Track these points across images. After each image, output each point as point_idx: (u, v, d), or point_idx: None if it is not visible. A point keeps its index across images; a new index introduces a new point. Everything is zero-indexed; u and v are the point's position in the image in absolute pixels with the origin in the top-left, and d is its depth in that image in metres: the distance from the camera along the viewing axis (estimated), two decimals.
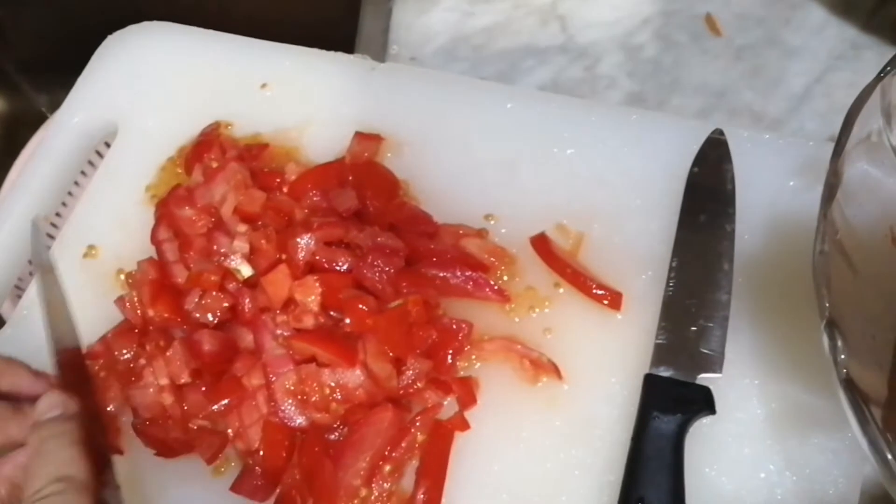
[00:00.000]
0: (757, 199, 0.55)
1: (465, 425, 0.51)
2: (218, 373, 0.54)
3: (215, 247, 0.58)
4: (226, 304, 0.55)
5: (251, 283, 0.56)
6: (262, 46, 0.70)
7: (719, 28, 0.68)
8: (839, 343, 0.39)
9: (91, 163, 0.70)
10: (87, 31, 0.74)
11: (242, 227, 0.58)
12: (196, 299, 0.56)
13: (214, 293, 0.56)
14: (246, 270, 0.57)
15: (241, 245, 0.57)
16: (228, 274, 0.57)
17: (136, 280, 0.59)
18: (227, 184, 0.60)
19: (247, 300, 0.55)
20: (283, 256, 0.56)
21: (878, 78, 0.45)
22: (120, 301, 0.58)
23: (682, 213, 0.55)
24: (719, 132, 0.57)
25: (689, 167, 0.57)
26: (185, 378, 0.54)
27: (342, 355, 0.52)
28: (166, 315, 0.57)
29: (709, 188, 0.55)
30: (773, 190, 0.56)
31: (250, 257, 0.57)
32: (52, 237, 0.66)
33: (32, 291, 0.62)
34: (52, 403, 0.49)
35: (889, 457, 0.37)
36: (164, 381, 0.54)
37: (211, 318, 0.55)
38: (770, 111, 0.64)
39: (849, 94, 0.46)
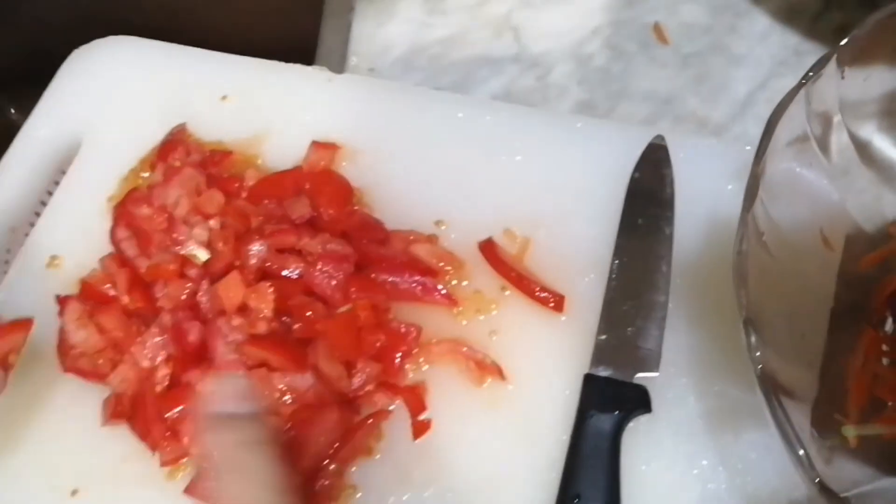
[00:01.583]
0: (696, 204, 0.57)
1: (424, 428, 0.53)
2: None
3: (174, 235, 0.59)
4: (187, 289, 0.57)
5: (210, 270, 0.58)
6: (223, 59, 0.71)
7: (667, 37, 0.69)
8: (754, 340, 0.40)
9: (63, 173, 0.72)
10: (60, 43, 0.76)
11: (202, 220, 0.60)
12: (161, 290, 0.57)
13: (176, 281, 0.57)
14: (202, 254, 0.59)
15: (200, 233, 0.59)
16: (187, 261, 0.58)
17: (104, 273, 0.61)
18: (182, 188, 0.61)
19: (204, 298, 0.57)
20: (237, 262, 0.57)
21: (801, 84, 0.47)
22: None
23: (623, 217, 0.56)
24: (660, 138, 0.59)
25: (631, 173, 0.58)
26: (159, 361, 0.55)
27: (293, 360, 0.53)
28: (139, 304, 0.58)
29: (649, 193, 0.57)
30: (712, 194, 0.58)
31: (209, 247, 0.59)
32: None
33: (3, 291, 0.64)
34: (238, 393, 0.47)
35: (801, 452, 0.38)
36: (146, 364, 0.56)
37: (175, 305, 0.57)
38: (714, 117, 0.65)
39: None
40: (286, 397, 0.53)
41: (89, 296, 0.59)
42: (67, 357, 0.59)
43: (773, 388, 0.40)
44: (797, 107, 0.49)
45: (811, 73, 0.47)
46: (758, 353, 0.40)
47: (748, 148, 0.58)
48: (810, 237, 0.51)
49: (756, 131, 0.64)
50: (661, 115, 0.66)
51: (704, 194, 0.57)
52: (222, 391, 0.47)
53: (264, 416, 0.46)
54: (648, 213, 0.56)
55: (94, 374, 0.58)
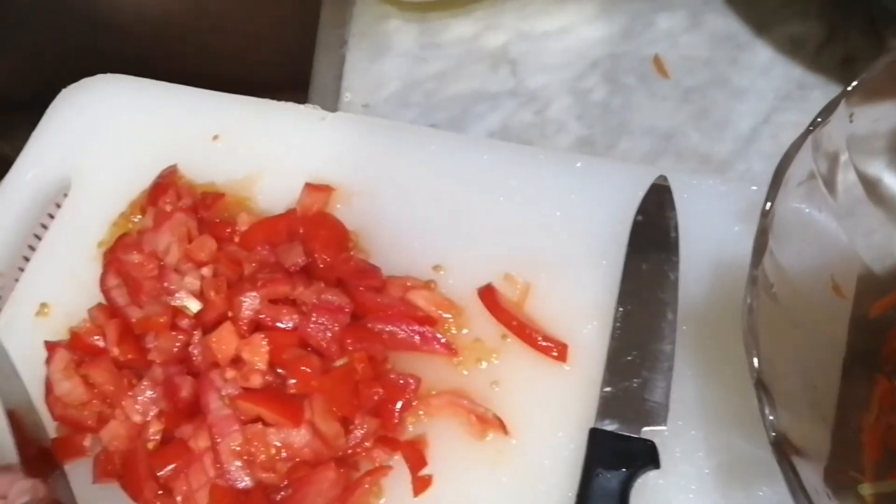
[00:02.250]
0: (702, 246, 0.56)
1: (425, 484, 0.51)
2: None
3: (165, 284, 0.58)
4: (179, 341, 0.56)
5: (203, 320, 0.56)
6: (214, 98, 0.70)
7: (667, 70, 0.68)
8: (766, 403, 0.39)
9: (51, 215, 0.70)
10: (58, 77, 0.74)
11: (193, 267, 0.58)
12: (152, 342, 0.56)
13: (167, 333, 0.56)
14: (194, 306, 0.57)
15: (192, 282, 0.58)
16: (179, 312, 0.57)
17: (92, 324, 0.59)
18: (173, 234, 0.60)
19: (196, 351, 0.55)
20: (230, 313, 0.56)
21: (808, 131, 0.46)
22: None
23: (626, 262, 0.55)
24: (663, 178, 0.57)
25: (633, 213, 0.57)
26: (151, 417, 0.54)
27: (288, 416, 0.51)
28: (130, 356, 0.56)
29: (652, 236, 0.55)
30: (717, 236, 0.56)
31: (201, 296, 0.57)
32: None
33: None
34: (22, 490, 0.48)
35: None
36: (137, 419, 0.54)
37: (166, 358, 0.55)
38: (717, 153, 0.64)
39: (795, 134, 0.46)
40: (282, 453, 0.52)
41: (78, 347, 0.57)
42: (56, 405, 0.58)
43: (786, 452, 0.39)
44: (804, 148, 0.47)
45: (819, 119, 0.46)
46: (771, 418, 0.39)
47: (754, 188, 0.57)
48: (821, 285, 0.50)
49: (760, 167, 0.63)
50: (662, 151, 0.65)
51: (709, 236, 0.56)
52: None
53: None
54: (653, 259, 0.54)
55: (82, 425, 0.57)
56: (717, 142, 0.65)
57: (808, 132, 0.46)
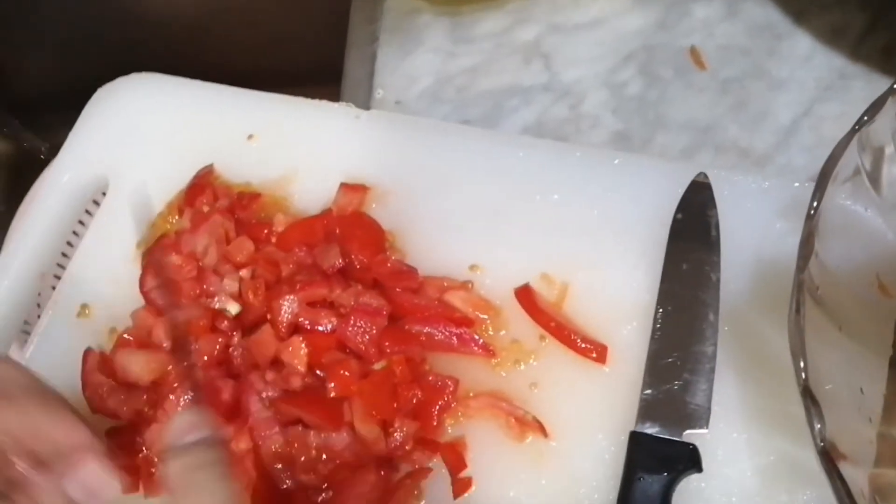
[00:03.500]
0: (743, 244, 0.55)
1: (465, 486, 0.51)
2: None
3: (204, 286, 0.58)
4: (219, 345, 0.56)
5: (243, 322, 0.57)
6: (249, 96, 0.70)
7: (704, 61, 0.67)
8: (815, 414, 0.38)
9: (90, 213, 0.71)
10: (88, 74, 0.75)
11: (232, 269, 0.59)
12: (193, 344, 0.56)
13: (207, 336, 0.56)
14: (233, 308, 0.57)
15: (231, 283, 0.58)
16: (218, 314, 0.57)
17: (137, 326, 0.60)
18: (210, 236, 0.60)
19: (236, 353, 0.56)
20: (269, 315, 0.56)
21: (854, 130, 0.45)
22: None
23: (666, 261, 0.54)
24: (703, 175, 0.56)
25: (672, 211, 0.56)
26: None
27: (328, 419, 0.52)
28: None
29: (693, 235, 0.54)
30: (759, 233, 0.55)
31: (239, 298, 0.58)
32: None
33: (28, 350, 0.63)
34: (192, 423, 0.42)
35: None
36: None
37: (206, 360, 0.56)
38: (757, 146, 0.63)
39: (837, 126, 0.46)
40: (322, 455, 0.52)
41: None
42: (95, 398, 0.58)
43: (833, 460, 0.38)
44: (850, 146, 0.46)
45: (865, 118, 0.45)
46: (818, 426, 0.38)
47: (796, 185, 0.56)
48: (866, 284, 0.49)
49: (801, 161, 0.62)
50: (700, 145, 0.64)
51: (751, 234, 0.55)
52: (177, 426, 0.43)
53: (217, 440, 0.42)
54: (693, 258, 0.53)
55: (119, 417, 0.57)
56: (757, 134, 0.63)
57: (853, 131, 0.45)
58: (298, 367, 0.54)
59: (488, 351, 0.54)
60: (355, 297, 0.55)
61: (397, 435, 0.51)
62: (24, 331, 0.68)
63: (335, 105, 0.68)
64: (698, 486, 0.48)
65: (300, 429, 0.52)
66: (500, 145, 0.63)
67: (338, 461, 0.52)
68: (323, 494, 0.52)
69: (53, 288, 0.67)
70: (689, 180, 0.57)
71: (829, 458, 0.37)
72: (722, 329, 0.52)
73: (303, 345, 0.54)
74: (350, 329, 0.53)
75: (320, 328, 0.54)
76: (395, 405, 0.52)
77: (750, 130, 0.64)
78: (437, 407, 0.53)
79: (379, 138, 0.65)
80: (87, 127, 0.72)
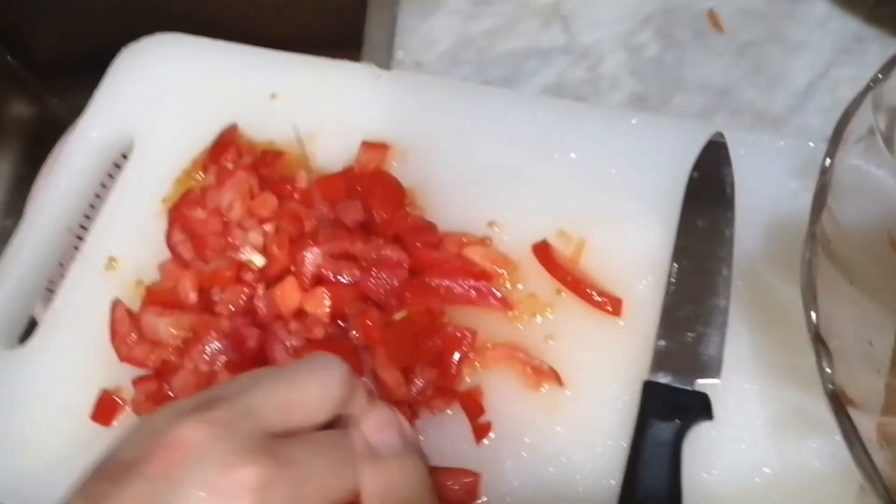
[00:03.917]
0: (757, 202, 0.56)
1: (485, 431, 0.53)
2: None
3: (230, 239, 0.60)
4: (244, 296, 0.58)
5: (266, 274, 0.58)
6: (272, 56, 0.71)
7: (722, 24, 0.68)
8: (824, 357, 0.40)
9: (111, 175, 0.73)
10: (108, 37, 0.76)
11: (256, 223, 0.61)
12: (219, 295, 0.58)
13: (233, 287, 0.58)
14: (259, 260, 0.59)
15: (255, 237, 0.60)
16: (244, 266, 0.59)
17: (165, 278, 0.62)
18: (235, 191, 0.62)
19: (261, 304, 0.57)
20: (293, 268, 0.58)
21: (868, 88, 0.46)
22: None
23: (682, 218, 0.55)
24: (719, 135, 0.57)
25: (689, 170, 0.57)
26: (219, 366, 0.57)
27: (351, 365, 0.53)
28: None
29: (708, 193, 0.56)
30: (773, 192, 0.56)
31: (264, 251, 0.59)
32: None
33: (58, 302, 0.65)
34: (386, 423, 0.45)
35: (873, 471, 0.38)
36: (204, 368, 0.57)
37: (233, 310, 0.58)
38: (773, 109, 0.64)
39: (853, 89, 0.46)
40: None
41: (155, 302, 0.60)
42: (122, 347, 0.60)
43: (842, 404, 0.40)
44: (864, 104, 0.47)
45: (880, 76, 0.45)
46: (828, 371, 0.39)
47: (811, 144, 0.57)
48: (878, 241, 0.50)
49: (816, 123, 0.63)
50: (717, 107, 0.65)
51: (765, 192, 0.56)
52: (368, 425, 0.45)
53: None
54: (708, 215, 0.55)
55: (146, 366, 0.59)
56: (773, 97, 0.64)
57: (868, 88, 0.46)
58: (322, 317, 0.55)
59: (505, 304, 0.56)
60: (377, 251, 0.56)
61: (418, 381, 0.53)
62: (48, 289, 0.70)
63: (357, 65, 0.69)
64: (709, 433, 0.50)
65: None
66: (520, 105, 0.64)
67: None
68: None
69: (76, 246, 0.69)
70: (706, 140, 0.58)
71: (837, 401, 0.39)
72: (735, 284, 0.53)
73: (326, 295, 0.55)
74: (372, 280, 0.55)
75: (343, 280, 0.56)
76: (415, 353, 0.53)
77: (766, 93, 0.65)
78: (457, 356, 0.55)
79: (400, 98, 0.66)
80: (113, 86, 0.74)
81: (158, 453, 0.37)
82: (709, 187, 0.56)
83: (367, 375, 0.53)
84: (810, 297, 0.41)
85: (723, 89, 0.65)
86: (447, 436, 0.53)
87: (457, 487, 0.51)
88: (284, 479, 0.37)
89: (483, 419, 0.53)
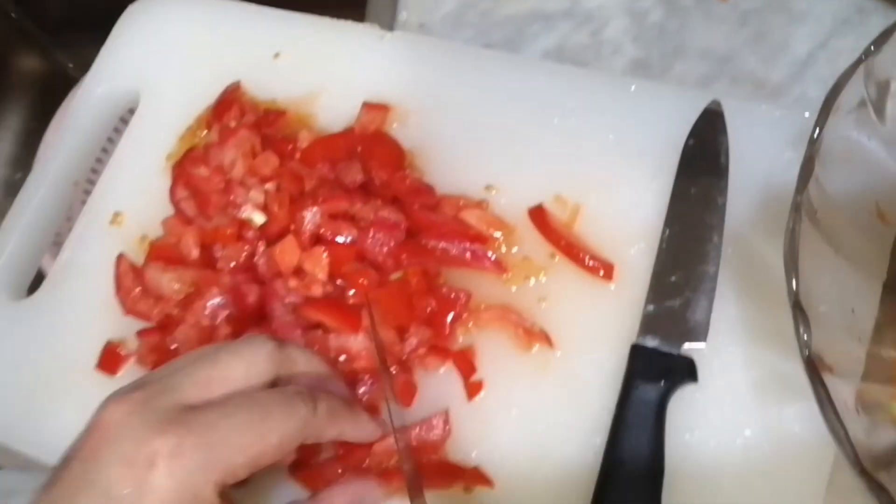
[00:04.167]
0: (751, 171, 0.56)
1: (477, 388, 0.54)
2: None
3: (231, 197, 0.61)
4: (245, 251, 0.59)
5: (267, 233, 0.60)
6: (276, 15, 0.72)
7: None
8: (802, 324, 0.41)
9: (118, 130, 0.74)
10: None
11: (257, 182, 0.62)
12: (220, 251, 0.60)
13: (234, 244, 0.60)
14: (259, 218, 0.60)
15: (256, 195, 0.61)
16: (245, 224, 0.60)
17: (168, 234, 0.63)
18: (238, 150, 0.63)
19: (261, 261, 0.59)
20: (293, 226, 0.59)
21: (859, 60, 0.46)
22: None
23: (675, 185, 0.56)
24: (716, 103, 0.58)
25: (685, 138, 0.58)
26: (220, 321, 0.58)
27: (347, 322, 0.55)
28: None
29: (702, 160, 0.56)
30: (768, 161, 0.57)
31: (265, 210, 0.61)
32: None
33: (64, 255, 0.67)
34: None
35: (844, 436, 0.39)
36: (206, 322, 0.58)
37: (234, 266, 0.59)
38: (773, 78, 0.64)
39: (852, 60, 0.46)
40: (341, 357, 0.55)
41: (158, 257, 0.61)
42: (126, 300, 0.62)
43: (817, 369, 0.41)
44: (856, 76, 0.47)
45: (872, 48, 0.46)
46: (805, 337, 0.41)
47: (807, 115, 0.57)
48: (865, 211, 0.51)
49: (815, 93, 0.63)
50: (717, 75, 0.65)
51: (760, 162, 0.57)
52: None
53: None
54: (701, 182, 0.55)
55: (149, 319, 0.61)
56: (773, 66, 0.64)
57: (859, 60, 0.46)
58: (319, 275, 0.57)
59: (500, 267, 0.57)
60: (375, 211, 0.57)
61: (412, 340, 0.54)
62: (56, 242, 0.71)
63: (360, 25, 0.69)
64: (693, 395, 0.51)
65: (320, 332, 0.56)
66: (521, 69, 0.64)
67: (355, 364, 0.55)
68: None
69: (83, 201, 0.70)
70: (703, 108, 0.58)
71: (813, 366, 0.40)
72: (725, 251, 0.54)
73: (324, 254, 0.57)
74: (369, 240, 0.56)
75: (341, 239, 0.57)
76: (410, 313, 0.55)
77: (767, 62, 0.65)
78: (450, 317, 0.56)
79: (402, 59, 0.67)
80: (119, 42, 0.74)
81: (87, 436, 0.42)
82: (704, 155, 0.56)
83: (363, 333, 0.55)
84: (792, 265, 0.42)
85: (724, 57, 0.65)
86: (440, 393, 0.55)
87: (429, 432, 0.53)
88: (195, 445, 0.41)
89: (475, 378, 0.54)
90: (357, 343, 0.55)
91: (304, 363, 0.50)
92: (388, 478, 0.51)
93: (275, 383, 0.48)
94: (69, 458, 0.42)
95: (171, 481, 0.40)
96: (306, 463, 0.53)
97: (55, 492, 0.41)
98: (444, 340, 0.55)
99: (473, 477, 0.52)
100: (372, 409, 0.54)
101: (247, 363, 0.46)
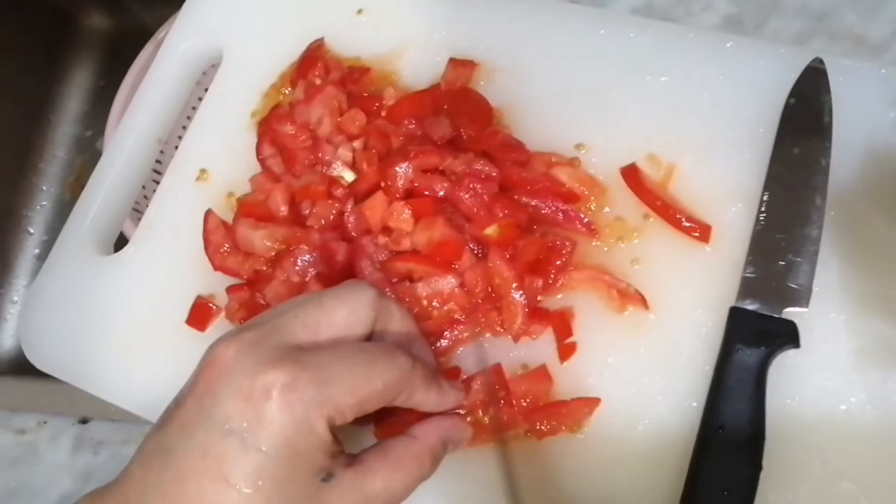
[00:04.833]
0: (854, 131, 0.55)
1: (570, 351, 0.54)
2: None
3: (320, 155, 0.61)
4: (335, 210, 0.59)
5: (356, 190, 0.59)
6: None
7: None
8: None
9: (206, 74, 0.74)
10: None
11: (345, 139, 0.61)
12: (309, 209, 0.60)
13: (323, 201, 0.60)
14: (349, 175, 0.60)
15: (345, 153, 0.61)
16: (334, 182, 0.60)
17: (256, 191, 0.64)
18: (325, 107, 0.63)
19: (351, 218, 0.59)
20: (382, 184, 0.58)
21: None
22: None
23: (776, 146, 0.55)
24: (819, 61, 0.56)
25: (784, 97, 0.56)
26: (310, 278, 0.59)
27: (438, 265, 0.55)
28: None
29: (805, 121, 0.54)
30: (871, 121, 0.55)
31: (353, 167, 0.60)
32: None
33: (151, 212, 0.67)
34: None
35: None
36: (295, 279, 0.59)
37: (323, 224, 0.59)
38: (873, 35, 0.62)
39: None
40: (434, 302, 0.55)
41: (248, 214, 0.61)
42: (216, 256, 0.63)
43: None
44: None
45: None
46: None
47: None
48: None
49: None
50: (814, 32, 0.63)
51: (862, 122, 0.55)
52: None
53: None
54: (804, 143, 0.54)
55: (239, 276, 0.62)
56: (874, 23, 0.62)
57: None
58: (406, 229, 0.56)
59: (591, 230, 0.56)
60: (467, 164, 0.56)
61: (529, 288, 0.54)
62: (135, 209, 0.72)
63: None
64: (794, 361, 0.50)
65: (408, 284, 0.55)
66: (610, 25, 0.63)
67: (447, 306, 0.55)
68: (446, 340, 0.55)
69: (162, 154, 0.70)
70: (802, 66, 0.56)
71: None
72: (828, 214, 0.53)
73: (407, 211, 0.56)
74: (464, 192, 0.55)
75: (434, 193, 0.56)
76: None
77: (867, 18, 0.62)
78: (554, 268, 0.55)
79: (488, 16, 0.66)
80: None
81: (201, 373, 0.43)
82: (806, 115, 0.54)
83: (451, 273, 0.55)
84: None
85: (821, 13, 0.63)
86: (532, 354, 0.54)
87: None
88: (309, 380, 0.42)
89: (569, 340, 0.54)
90: (448, 284, 0.55)
91: (399, 318, 0.50)
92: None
93: (368, 338, 0.48)
94: (183, 396, 0.43)
95: (287, 414, 0.41)
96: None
97: (170, 428, 0.42)
98: (549, 290, 0.55)
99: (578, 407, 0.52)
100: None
101: (349, 308, 0.46)
